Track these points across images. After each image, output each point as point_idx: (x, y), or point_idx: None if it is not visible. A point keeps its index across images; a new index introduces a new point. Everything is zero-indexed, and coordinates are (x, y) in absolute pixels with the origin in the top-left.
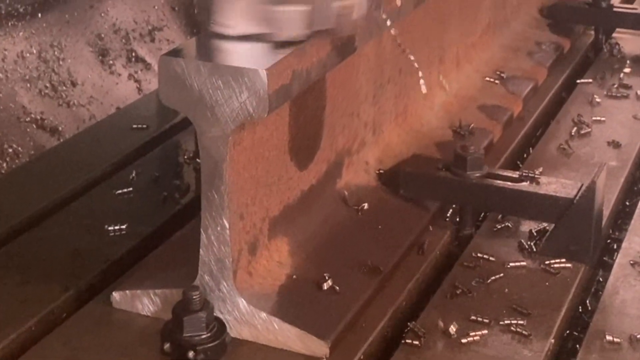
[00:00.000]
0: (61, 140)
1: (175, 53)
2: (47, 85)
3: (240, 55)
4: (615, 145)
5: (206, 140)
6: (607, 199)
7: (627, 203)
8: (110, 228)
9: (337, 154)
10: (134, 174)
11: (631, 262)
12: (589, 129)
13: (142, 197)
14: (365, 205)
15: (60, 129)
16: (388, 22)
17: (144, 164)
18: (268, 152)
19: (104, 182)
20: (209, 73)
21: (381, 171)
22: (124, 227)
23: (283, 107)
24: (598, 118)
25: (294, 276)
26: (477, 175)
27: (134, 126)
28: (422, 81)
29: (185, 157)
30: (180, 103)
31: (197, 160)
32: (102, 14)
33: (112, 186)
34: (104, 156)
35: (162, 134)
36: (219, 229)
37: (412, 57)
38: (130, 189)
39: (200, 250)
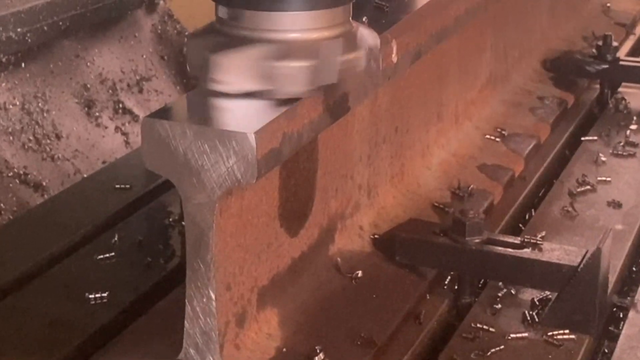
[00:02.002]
0: (45, 196)
1: (159, 114)
2: (31, 138)
3: (232, 115)
4: (621, 207)
5: (191, 207)
6: (613, 265)
7: (634, 269)
8: (90, 296)
9: (329, 219)
10: (116, 238)
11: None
12: (594, 190)
13: (124, 262)
14: (359, 273)
15: (44, 184)
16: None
17: (127, 227)
18: (257, 218)
19: (85, 246)
20: (195, 136)
21: (376, 236)
22: (105, 295)
23: (273, 171)
24: (603, 178)
25: (284, 349)
26: (477, 241)
27: (117, 186)
28: None
29: (171, 219)
30: (164, 167)
31: (183, 223)
32: (88, 64)
33: (93, 251)
34: (84, 218)
35: (146, 194)
36: (204, 300)
37: None
38: (112, 253)
39: (185, 322)
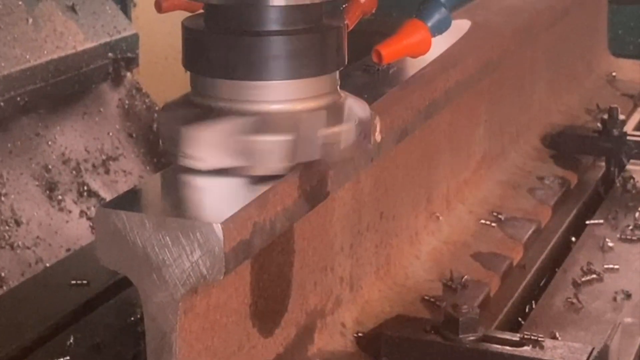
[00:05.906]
0: (4, 287)
1: (115, 203)
2: None
3: (199, 201)
4: (631, 298)
5: (152, 307)
6: None
7: None
8: None
9: (308, 316)
10: (71, 340)
11: None
12: (601, 279)
13: None
14: None
15: (2, 274)
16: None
17: (83, 327)
18: (226, 318)
19: (37, 350)
20: (155, 228)
21: (360, 334)
22: None
23: (243, 265)
24: (611, 266)
25: None
26: (471, 338)
27: (73, 282)
28: None
29: (132, 318)
30: (121, 263)
31: None
32: (50, 143)
33: (46, 355)
34: (36, 318)
35: (104, 291)
36: None
37: None
38: (67, 358)
39: None
